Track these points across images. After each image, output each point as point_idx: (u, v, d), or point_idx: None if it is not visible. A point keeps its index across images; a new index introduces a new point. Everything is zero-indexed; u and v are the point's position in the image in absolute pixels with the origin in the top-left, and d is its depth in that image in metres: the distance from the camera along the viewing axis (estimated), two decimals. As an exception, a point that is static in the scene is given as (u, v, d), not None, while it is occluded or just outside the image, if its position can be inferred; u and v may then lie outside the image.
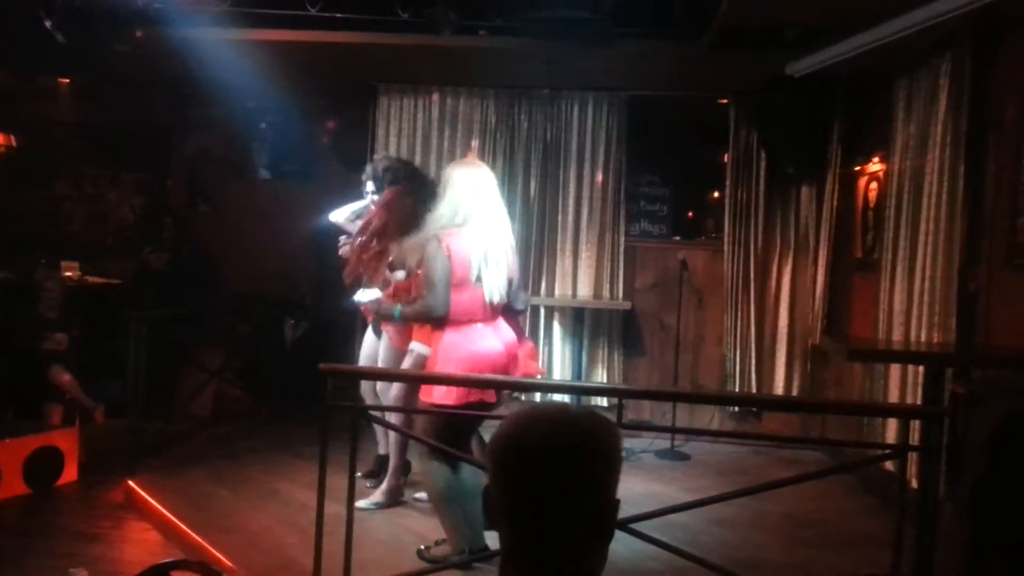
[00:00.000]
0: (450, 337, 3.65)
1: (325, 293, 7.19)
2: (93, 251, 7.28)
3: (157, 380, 5.96)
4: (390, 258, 4.35)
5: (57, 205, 7.46)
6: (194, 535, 4.04)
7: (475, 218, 3.68)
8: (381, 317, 4.21)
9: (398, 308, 3.85)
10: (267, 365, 6.75)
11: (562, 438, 1.19)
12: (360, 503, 4.18)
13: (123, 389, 5.44)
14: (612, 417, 5.94)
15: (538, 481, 1.18)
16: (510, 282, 3.83)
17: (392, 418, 4.35)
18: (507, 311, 3.94)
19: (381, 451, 4.86)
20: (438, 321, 3.69)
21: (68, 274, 6.79)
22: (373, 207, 4.60)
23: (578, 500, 1.18)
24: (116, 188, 7.59)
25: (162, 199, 7.64)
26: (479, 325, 3.69)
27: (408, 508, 4.57)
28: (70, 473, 4.94)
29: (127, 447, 5.11)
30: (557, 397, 6.50)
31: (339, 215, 4.94)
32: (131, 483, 4.68)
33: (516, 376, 3.84)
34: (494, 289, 3.68)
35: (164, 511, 4.33)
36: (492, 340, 3.70)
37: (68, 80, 7.11)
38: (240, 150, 7.43)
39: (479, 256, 3.65)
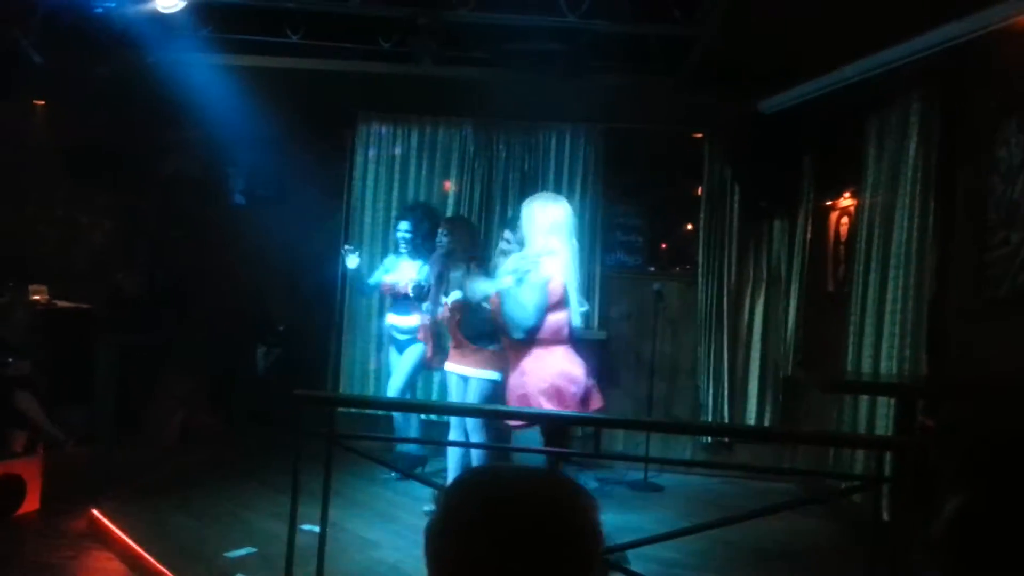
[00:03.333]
0: (540, 354, 3.78)
1: (297, 320, 7.15)
2: (64, 275, 7.17)
3: (125, 406, 5.86)
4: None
5: (28, 228, 7.35)
6: (159, 565, 3.95)
7: (562, 247, 3.80)
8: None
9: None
10: (238, 392, 6.67)
11: (518, 517, 0.98)
12: None
13: (90, 415, 5.34)
14: (589, 447, 5.97)
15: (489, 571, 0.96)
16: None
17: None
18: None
19: None
20: (511, 340, 3.84)
21: (36, 297, 6.67)
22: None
23: None
24: (89, 211, 7.51)
25: (135, 223, 7.57)
26: (564, 347, 3.81)
27: (380, 537, 4.50)
28: (32, 502, 4.81)
29: (92, 475, 5.00)
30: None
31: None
32: (95, 512, 4.57)
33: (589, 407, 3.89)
34: (575, 314, 3.84)
35: (129, 540, 4.23)
36: (576, 362, 3.83)
37: (43, 102, 7.05)
38: (215, 175, 7.40)
39: (567, 283, 3.81)
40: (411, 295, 5.34)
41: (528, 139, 6.64)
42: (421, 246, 5.59)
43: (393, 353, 5.73)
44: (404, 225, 5.67)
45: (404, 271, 5.60)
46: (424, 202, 6.26)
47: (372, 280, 5.78)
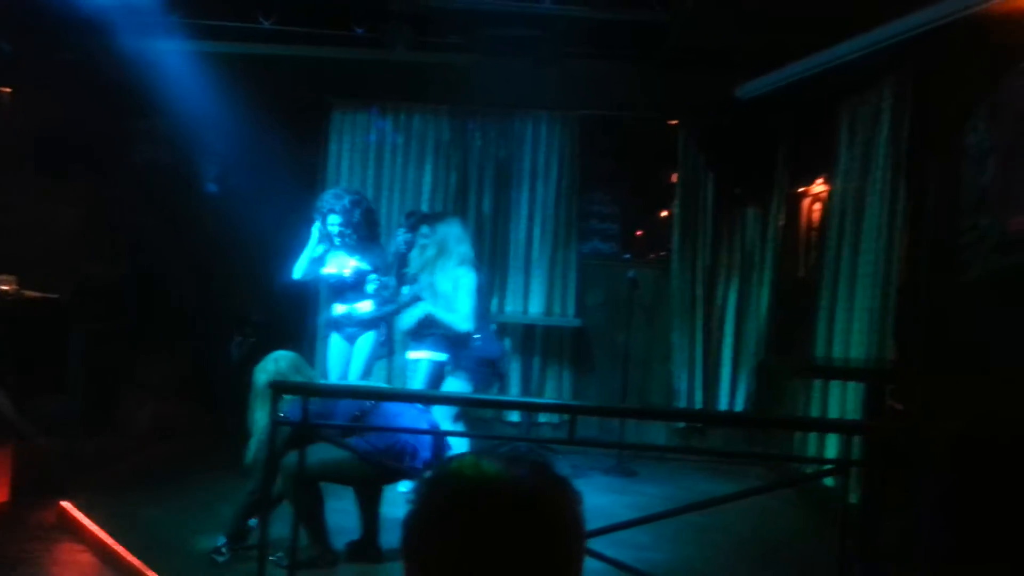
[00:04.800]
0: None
1: (272, 309, 7.09)
2: (32, 264, 7.06)
3: (96, 397, 5.79)
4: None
5: (-4, 216, 7.22)
6: (131, 557, 3.90)
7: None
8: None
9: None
10: (212, 382, 6.62)
11: (500, 512, 0.95)
12: None
13: (61, 406, 5.27)
14: (563, 433, 5.97)
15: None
16: None
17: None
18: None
19: None
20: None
21: (4, 288, 6.57)
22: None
23: None
24: (58, 200, 7.39)
25: (106, 212, 7.46)
26: None
27: (356, 525, 4.47)
28: (1, 494, 4.75)
29: (62, 467, 4.93)
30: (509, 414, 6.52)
31: None
32: (65, 504, 4.51)
33: None
34: None
35: (100, 533, 4.18)
36: None
37: (10, 89, 6.93)
38: (187, 163, 7.31)
39: None
40: (350, 280, 5.19)
41: (504, 126, 6.61)
42: (354, 237, 5.19)
43: (338, 343, 5.41)
44: (335, 219, 5.16)
45: (340, 260, 5.27)
46: (355, 189, 5.80)
47: (297, 275, 5.33)
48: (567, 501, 0.98)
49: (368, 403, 3.94)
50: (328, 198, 5.28)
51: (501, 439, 3.80)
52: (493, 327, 5.24)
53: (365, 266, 5.21)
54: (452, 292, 4.92)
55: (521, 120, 6.61)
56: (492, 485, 0.97)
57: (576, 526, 0.98)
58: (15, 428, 5.60)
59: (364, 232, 5.22)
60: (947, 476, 1.15)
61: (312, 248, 5.29)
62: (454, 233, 5.08)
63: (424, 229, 5.24)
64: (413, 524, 0.99)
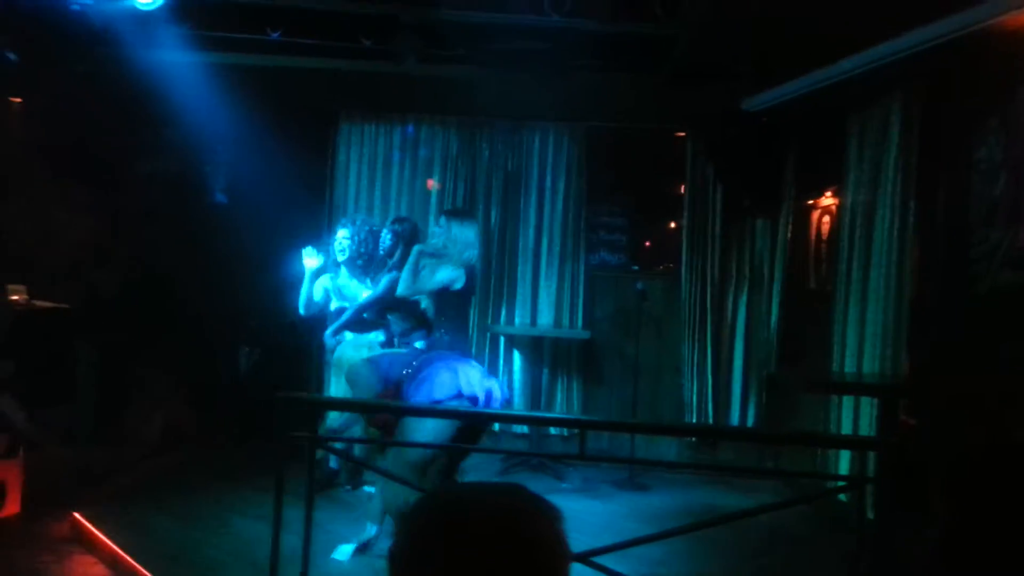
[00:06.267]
0: None
1: (280, 320, 7.10)
2: (42, 274, 7.07)
3: (105, 407, 5.81)
4: None
5: (5, 227, 7.24)
6: (143, 569, 3.91)
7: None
8: None
9: None
10: (220, 392, 6.62)
11: (481, 538, 0.97)
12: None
13: (70, 417, 5.28)
14: (573, 446, 5.97)
15: None
16: None
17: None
18: None
19: None
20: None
21: (15, 298, 6.58)
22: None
23: None
24: (67, 210, 7.41)
25: (114, 222, 7.47)
26: None
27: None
28: (12, 505, 4.75)
29: (73, 478, 4.94)
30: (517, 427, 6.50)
31: None
32: (77, 515, 4.52)
33: None
34: None
35: (112, 544, 4.18)
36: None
37: (20, 99, 6.95)
38: (196, 173, 7.33)
39: None
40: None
41: (511, 138, 6.62)
42: (362, 260, 5.33)
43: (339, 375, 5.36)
44: (346, 233, 5.35)
45: (351, 291, 5.37)
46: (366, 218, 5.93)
47: (303, 312, 5.51)
48: (547, 520, 1.01)
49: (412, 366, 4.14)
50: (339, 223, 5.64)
51: (512, 453, 3.79)
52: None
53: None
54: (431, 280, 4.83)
55: (529, 132, 6.63)
56: (472, 512, 1.00)
57: (558, 544, 1.01)
58: (25, 437, 5.61)
59: (370, 249, 5.29)
60: (947, 511, 1.16)
61: (308, 282, 5.39)
62: (465, 237, 4.86)
63: (441, 220, 5.19)
64: (397, 554, 1.02)
